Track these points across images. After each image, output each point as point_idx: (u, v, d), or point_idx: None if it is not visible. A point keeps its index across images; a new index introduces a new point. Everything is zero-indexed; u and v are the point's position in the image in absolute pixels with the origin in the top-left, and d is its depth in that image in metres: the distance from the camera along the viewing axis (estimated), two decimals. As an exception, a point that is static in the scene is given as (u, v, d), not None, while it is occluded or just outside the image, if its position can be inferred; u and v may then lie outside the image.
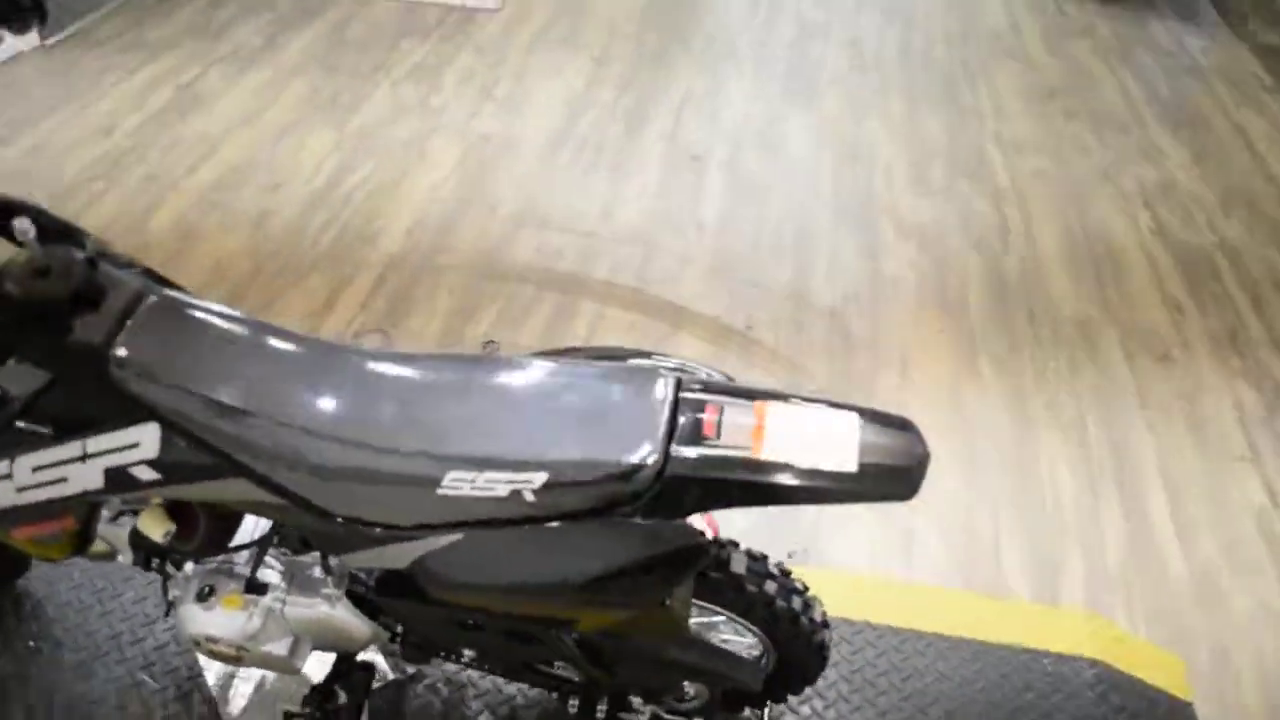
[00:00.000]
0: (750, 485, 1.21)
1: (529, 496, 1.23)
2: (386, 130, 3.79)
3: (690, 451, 1.22)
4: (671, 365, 1.41)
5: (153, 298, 1.33)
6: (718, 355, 2.82)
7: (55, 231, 1.38)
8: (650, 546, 1.25)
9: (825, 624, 1.66)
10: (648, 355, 1.45)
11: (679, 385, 1.29)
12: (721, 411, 1.25)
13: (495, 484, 1.24)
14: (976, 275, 3.17)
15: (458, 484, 1.24)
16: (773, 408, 1.25)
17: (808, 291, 3.08)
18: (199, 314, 1.35)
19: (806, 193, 3.52)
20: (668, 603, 1.31)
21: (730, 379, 1.41)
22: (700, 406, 1.26)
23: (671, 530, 1.25)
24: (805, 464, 1.20)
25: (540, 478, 1.23)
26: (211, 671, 1.95)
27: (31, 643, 2.03)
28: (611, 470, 1.21)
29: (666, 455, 1.22)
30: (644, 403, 1.27)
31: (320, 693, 1.67)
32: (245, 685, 1.93)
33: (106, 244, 1.41)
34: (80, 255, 1.29)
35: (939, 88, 4.12)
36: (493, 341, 2.87)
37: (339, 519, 1.31)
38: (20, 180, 3.54)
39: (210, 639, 1.57)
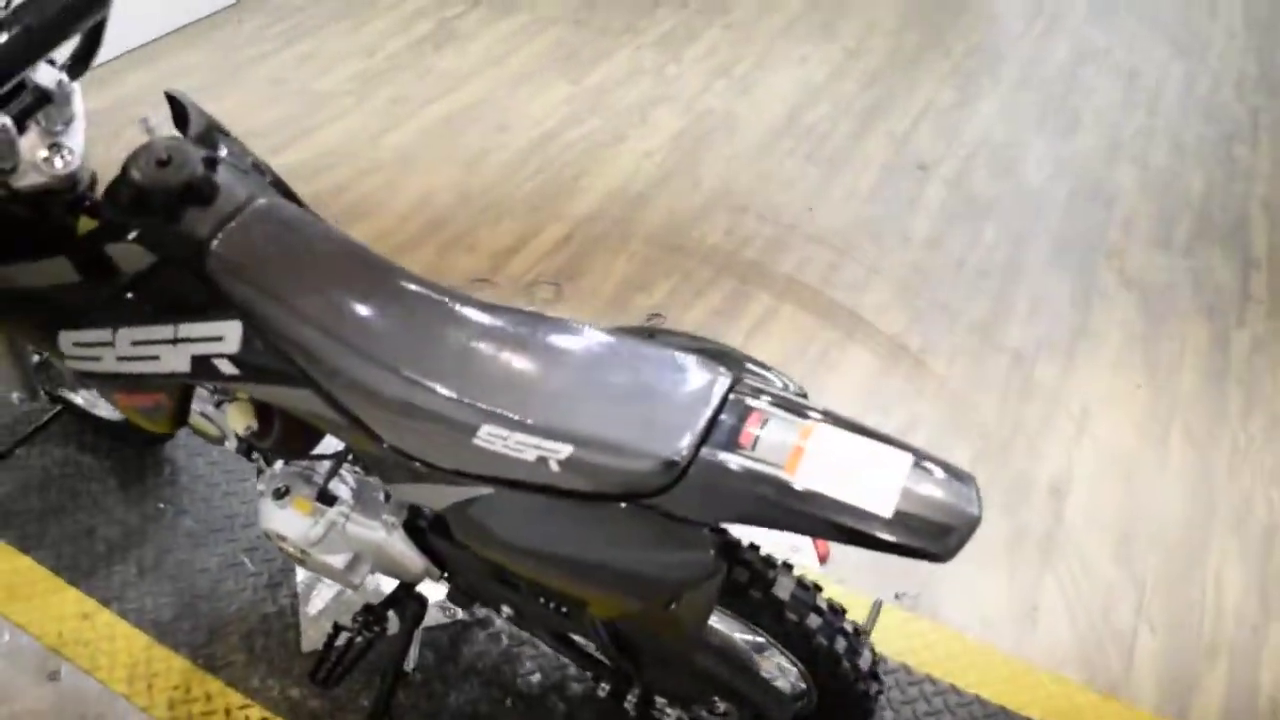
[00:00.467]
0: (771, 505, 1.13)
1: (553, 466, 1.21)
2: (618, 91, 3.83)
3: (719, 456, 1.16)
4: (744, 366, 1.34)
5: (261, 203, 1.40)
6: (882, 374, 2.68)
7: (206, 130, 1.48)
8: (658, 546, 1.20)
9: (875, 675, 1.54)
10: (728, 351, 1.38)
11: (732, 386, 1.23)
12: (764, 423, 1.18)
13: (524, 447, 1.22)
14: (1198, 344, 2.83)
15: (491, 439, 1.23)
16: (820, 430, 1.16)
17: (999, 326, 2.86)
18: (300, 227, 1.41)
19: (1030, 223, 3.26)
20: (673, 606, 1.25)
21: (803, 393, 1.32)
22: (746, 413, 1.19)
23: (688, 534, 1.19)
24: (835, 496, 1.11)
25: (566, 450, 1.20)
26: (301, 570, 2.06)
27: (161, 504, 2.22)
28: (633, 457, 1.17)
29: (694, 455, 1.16)
30: (690, 396, 1.21)
31: (371, 613, 1.73)
32: (327, 591, 2.03)
33: (242, 148, 1.50)
34: (200, 153, 1.37)
35: (1214, 138, 3.70)
36: (658, 315, 2.85)
37: (386, 445, 1.33)
38: (281, 85, 3.85)
39: (279, 536, 1.65)
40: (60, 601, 2.04)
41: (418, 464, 1.32)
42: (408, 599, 1.76)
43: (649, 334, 1.43)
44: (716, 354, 1.34)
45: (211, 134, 1.48)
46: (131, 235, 1.36)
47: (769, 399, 1.22)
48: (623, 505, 1.19)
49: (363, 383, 1.30)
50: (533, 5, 4.40)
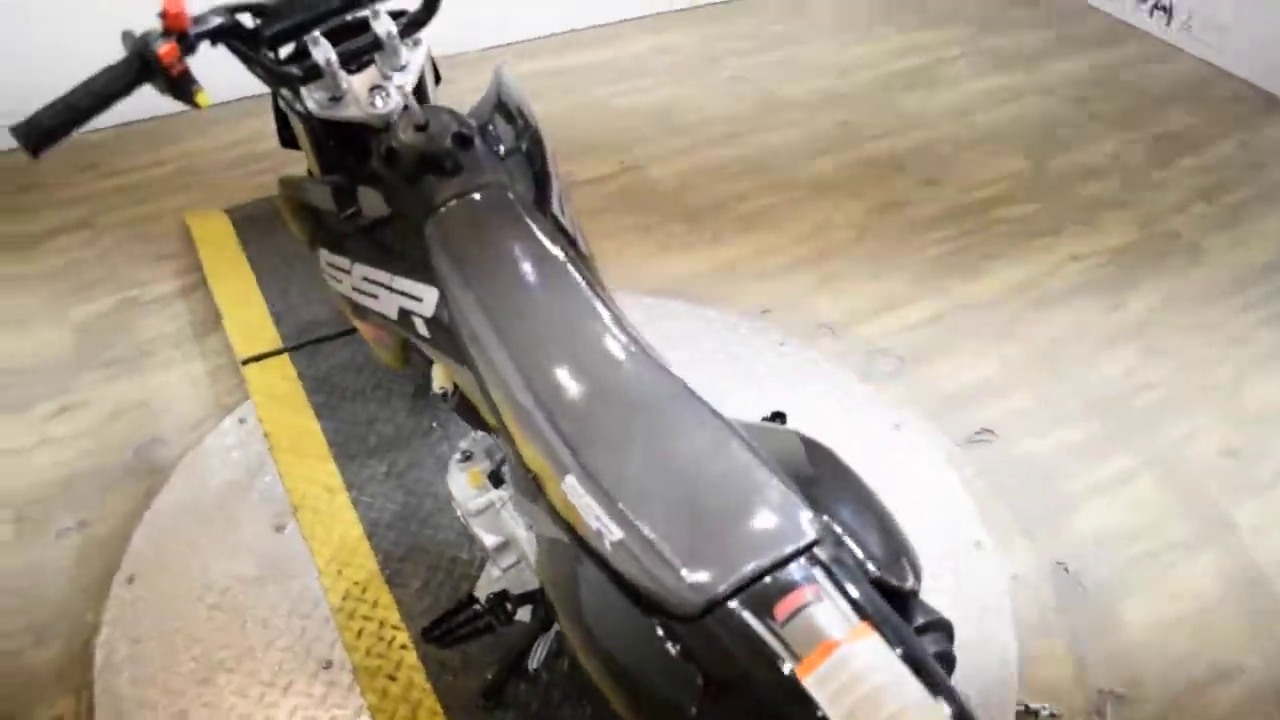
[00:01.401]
0: (764, 690, 0.93)
1: (607, 545, 1.10)
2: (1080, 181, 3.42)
3: (743, 615, 0.98)
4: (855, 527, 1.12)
5: (492, 190, 1.43)
6: None
7: (494, 109, 1.55)
8: (659, 669, 1.04)
9: None
10: (854, 494, 1.17)
11: (809, 546, 1.03)
12: (810, 602, 0.97)
13: (592, 512, 1.13)
14: None
15: (574, 490, 1.16)
16: (868, 640, 0.94)
17: None
18: (514, 223, 1.42)
19: None
20: None
21: (913, 585, 1.08)
22: (799, 583, 0.99)
23: (692, 670, 1.02)
24: (830, 716, 0.88)
25: (619, 534, 1.09)
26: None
27: (435, 425, 2.39)
28: (666, 571, 1.03)
29: (720, 602, 0.99)
30: (761, 536, 1.05)
31: (505, 599, 1.71)
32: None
33: (530, 139, 1.55)
34: (456, 127, 1.42)
35: None
36: (988, 430, 2.52)
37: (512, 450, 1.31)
38: (741, 83, 3.93)
39: (451, 495, 1.69)
40: (319, 470, 2.28)
41: (533, 480, 1.27)
42: (541, 603, 1.72)
43: (800, 440, 1.25)
44: (834, 492, 1.13)
45: (494, 115, 1.54)
46: (377, 184, 1.45)
47: (837, 576, 1.01)
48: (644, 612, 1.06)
49: (505, 383, 1.28)
50: (1031, 67, 4.06)
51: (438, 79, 1.83)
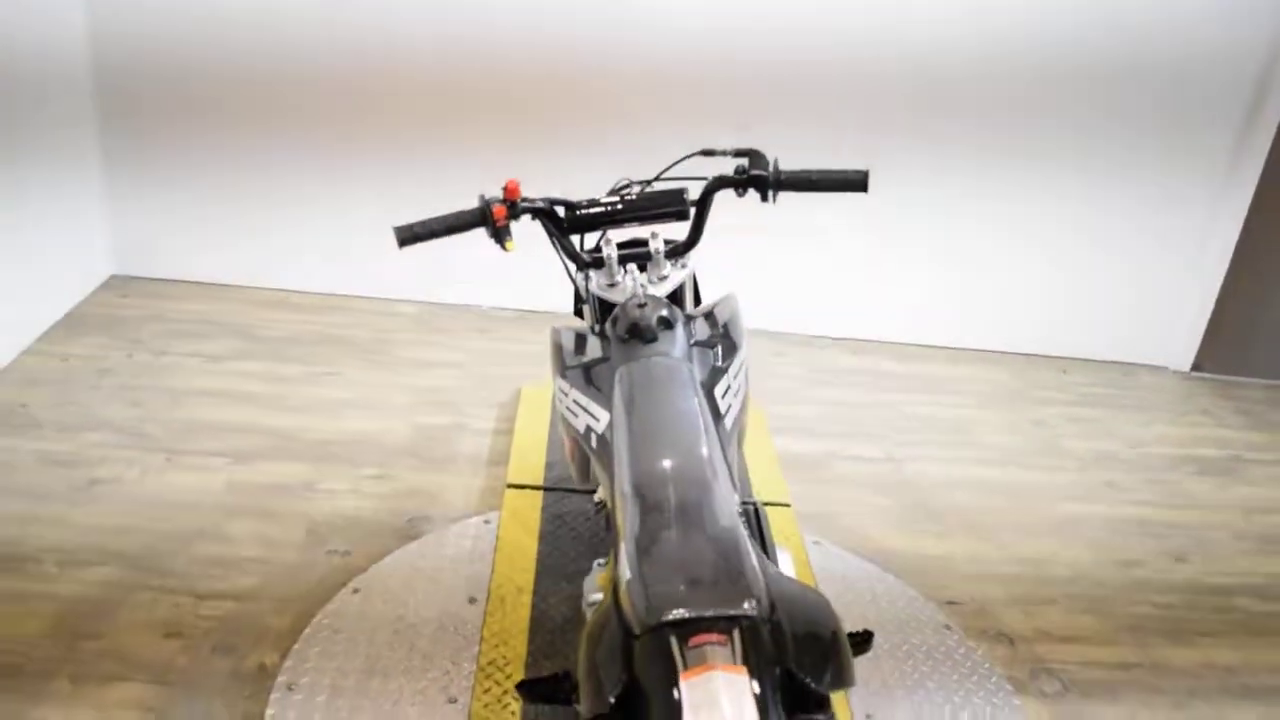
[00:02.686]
0: (655, 685, 1.34)
1: (622, 584, 1.52)
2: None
3: (667, 638, 1.38)
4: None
5: (674, 361, 1.96)
6: None
7: (702, 317, 2.17)
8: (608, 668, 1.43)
9: None
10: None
11: (741, 617, 1.39)
12: (715, 643, 1.35)
13: (624, 565, 1.54)
14: None
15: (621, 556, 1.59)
16: (738, 676, 1.31)
17: None
18: (674, 388, 1.90)
19: None
20: None
21: (823, 690, 1.39)
22: (715, 630, 1.37)
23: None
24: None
25: (629, 575, 1.51)
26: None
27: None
28: (639, 603, 1.44)
29: (657, 628, 1.40)
30: (714, 594, 1.43)
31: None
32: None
33: (723, 344, 2.11)
34: (662, 314, 2.01)
35: None
36: None
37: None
38: (1040, 429, 4.16)
39: (583, 593, 2.14)
40: (520, 576, 2.79)
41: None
42: None
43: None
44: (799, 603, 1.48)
45: (701, 316, 2.16)
46: (602, 337, 2.06)
47: (748, 642, 1.37)
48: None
49: (621, 486, 1.71)
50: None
51: (698, 300, 2.42)
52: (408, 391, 3.85)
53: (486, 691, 2.37)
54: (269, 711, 2.27)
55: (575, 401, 2.10)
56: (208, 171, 4.37)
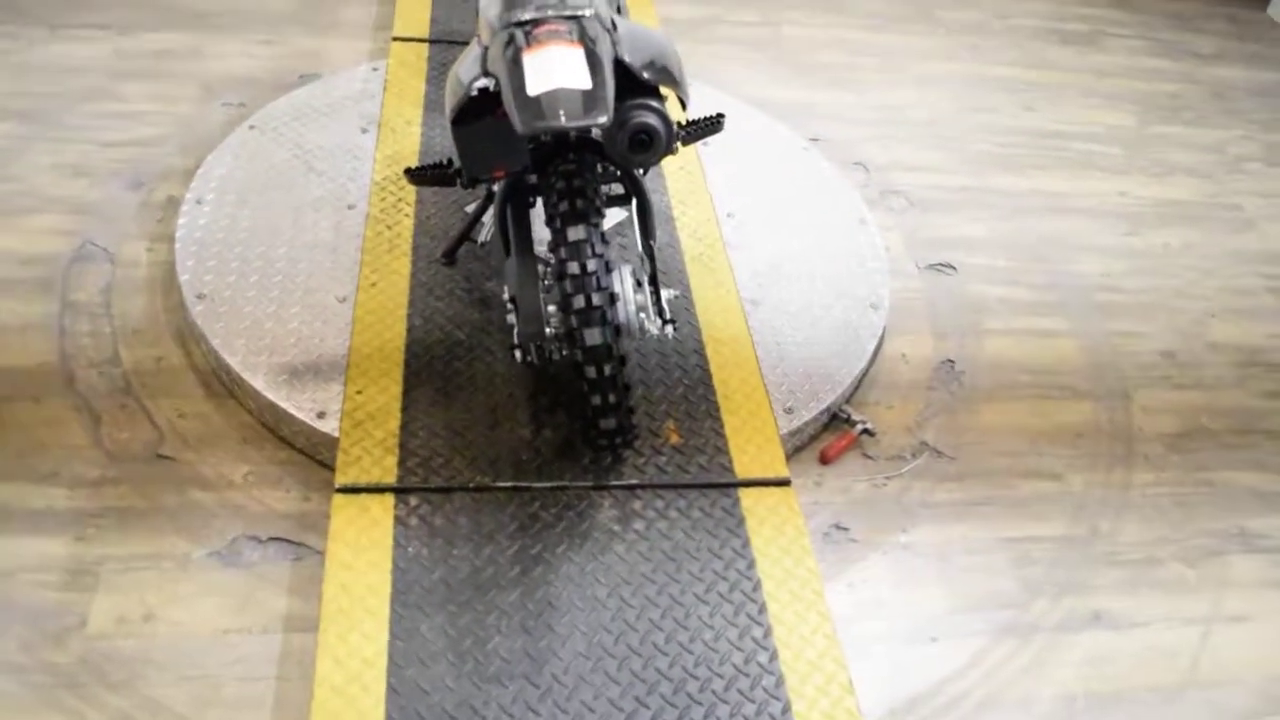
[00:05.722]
0: (509, 65, 1.63)
1: None
2: None
3: (518, 33, 1.65)
4: None
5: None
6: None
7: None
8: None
9: None
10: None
11: (578, 16, 1.66)
12: (559, 33, 1.63)
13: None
14: None
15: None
16: (573, 49, 1.58)
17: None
18: None
19: None
20: None
21: (651, 80, 1.66)
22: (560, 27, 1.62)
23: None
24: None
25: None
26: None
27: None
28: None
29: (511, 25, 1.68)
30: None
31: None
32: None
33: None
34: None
35: None
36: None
37: None
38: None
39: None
40: (410, 111, 2.95)
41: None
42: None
43: None
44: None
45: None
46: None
47: (586, 31, 1.65)
48: None
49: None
50: None
51: None
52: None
53: (382, 200, 2.61)
54: (180, 221, 2.49)
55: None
56: None
